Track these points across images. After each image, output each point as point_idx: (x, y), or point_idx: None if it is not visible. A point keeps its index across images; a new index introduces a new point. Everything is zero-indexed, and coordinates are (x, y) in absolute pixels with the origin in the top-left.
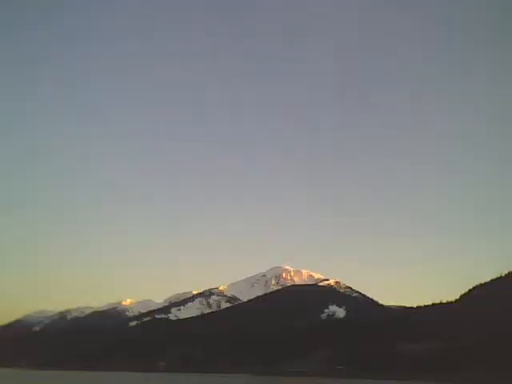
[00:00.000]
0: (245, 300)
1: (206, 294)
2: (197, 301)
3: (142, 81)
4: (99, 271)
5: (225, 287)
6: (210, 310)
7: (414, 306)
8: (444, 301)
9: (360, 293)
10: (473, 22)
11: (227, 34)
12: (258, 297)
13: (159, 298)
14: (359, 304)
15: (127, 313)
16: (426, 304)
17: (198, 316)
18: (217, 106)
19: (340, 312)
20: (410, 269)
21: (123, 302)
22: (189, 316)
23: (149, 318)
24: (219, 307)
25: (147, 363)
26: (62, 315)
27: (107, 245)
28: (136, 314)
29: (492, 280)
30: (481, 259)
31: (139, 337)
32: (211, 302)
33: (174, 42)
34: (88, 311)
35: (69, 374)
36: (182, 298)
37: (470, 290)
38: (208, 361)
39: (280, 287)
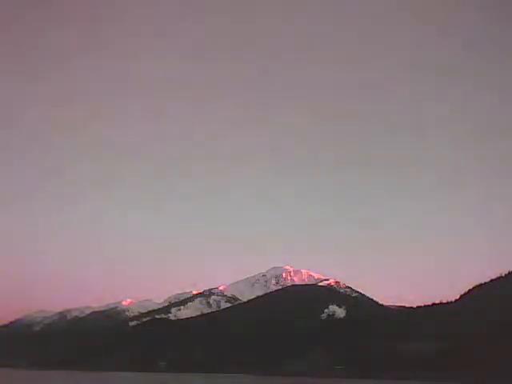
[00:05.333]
0: (245, 300)
1: (206, 294)
2: (197, 301)
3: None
4: (99, 271)
5: (225, 287)
6: (210, 310)
7: (414, 306)
8: (444, 301)
9: (360, 293)
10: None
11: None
12: (258, 297)
13: (159, 298)
14: (359, 304)
15: (127, 313)
16: (426, 304)
17: (197, 316)
18: (216, 109)
19: (340, 312)
20: (410, 269)
21: (123, 302)
22: (189, 316)
23: (149, 318)
24: (219, 307)
25: (147, 363)
26: (62, 315)
27: (107, 245)
28: (136, 314)
29: (492, 280)
30: (481, 259)
31: (139, 337)
32: (211, 301)
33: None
34: (88, 311)
35: (69, 374)
36: (181, 298)
37: (469, 289)
38: (208, 361)
39: (280, 287)
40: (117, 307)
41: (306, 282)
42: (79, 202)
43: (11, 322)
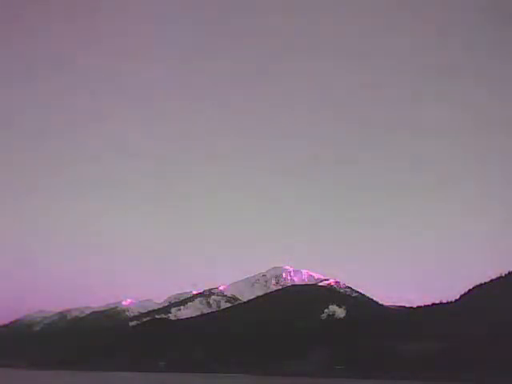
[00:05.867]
0: (245, 300)
1: (206, 294)
2: (197, 301)
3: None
4: (99, 271)
5: (225, 287)
6: (210, 310)
7: (414, 306)
8: (444, 301)
9: (360, 293)
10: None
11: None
12: (258, 297)
13: (159, 298)
14: (359, 304)
15: (127, 313)
16: (426, 304)
17: (197, 316)
18: (216, 109)
19: (340, 312)
20: (410, 269)
21: (123, 302)
22: (189, 316)
23: (149, 318)
24: (219, 307)
25: (147, 363)
26: (62, 315)
27: (107, 245)
28: (136, 314)
29: (492, 280)
30: (481, 259)
31: (139, 337)
32: (211, 301)
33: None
34: (88, 311)
35: (69, 374)
36: (181, 298)
37: (469, 289)
38: (208, 361)
39: (280, 287)
40: (117, 307)
41: (306, 282)
42: (79, 201)
43: (11, 322)
